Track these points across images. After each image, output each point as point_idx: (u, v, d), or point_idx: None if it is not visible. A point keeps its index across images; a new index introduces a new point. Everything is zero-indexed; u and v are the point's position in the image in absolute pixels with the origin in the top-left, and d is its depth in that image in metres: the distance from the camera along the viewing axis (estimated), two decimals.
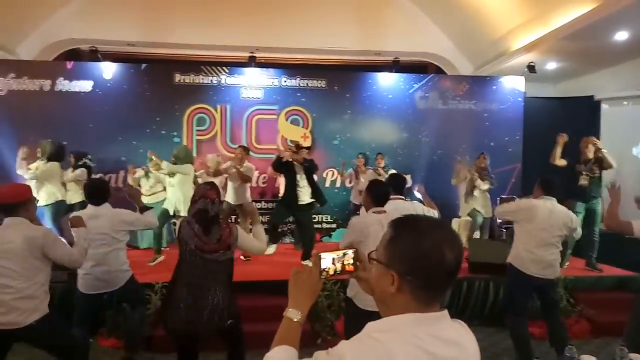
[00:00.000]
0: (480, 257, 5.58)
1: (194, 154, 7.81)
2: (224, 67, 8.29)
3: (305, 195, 6.16)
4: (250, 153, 7.16)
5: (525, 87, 8.74)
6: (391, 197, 3.98)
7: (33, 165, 6.20)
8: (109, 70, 8.01)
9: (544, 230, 3.90)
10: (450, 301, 5.31)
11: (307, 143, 8.21)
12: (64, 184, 6.40)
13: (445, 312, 1.14)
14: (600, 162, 5.84)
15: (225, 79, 8.26)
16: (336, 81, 8.51)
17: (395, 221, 1.21)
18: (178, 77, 8.13)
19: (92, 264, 3.55)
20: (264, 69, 8.49)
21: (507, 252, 5.57)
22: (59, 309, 4.11)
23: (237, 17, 8.20)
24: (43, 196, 6.01)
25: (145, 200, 6.63)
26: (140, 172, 6.96)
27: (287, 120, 8.39)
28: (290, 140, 7.89)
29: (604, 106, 8.45)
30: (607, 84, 8.27)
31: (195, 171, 6.66)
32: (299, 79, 8.42)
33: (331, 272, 1.38)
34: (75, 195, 6.49)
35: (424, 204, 4.15)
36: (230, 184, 6.66)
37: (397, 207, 3.60)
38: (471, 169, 6.93)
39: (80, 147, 6.81)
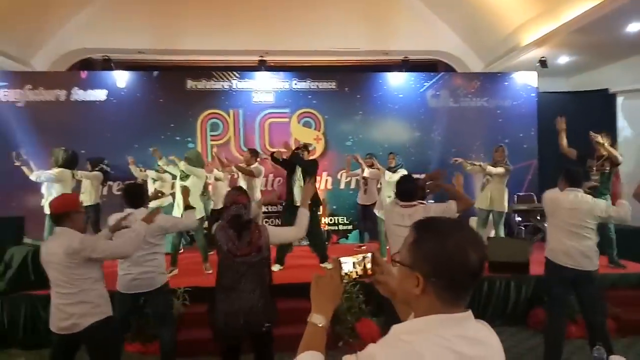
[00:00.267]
0: (500, 256, 5.50)
1: (209, 159, 7.88)
2: (234, 72, 8.34)
3: (298, 194, 6.03)
4: (263, 156, 7.19)
5: (538, 82, 8.68)
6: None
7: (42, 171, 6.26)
8: (122, 78, 8.10)
9: (570, 221, 3.89)
10: (471, 301, 5.25)
11: (317, 144, 8.25)
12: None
13: (470, 312, 1.16)
14: (611, 157, 5.77)
15: (236, 83, 8.31)
16: (347, 82, 8.52)
17: (417, 223, 1.22)
18: (190, 83, 8.19)
19: (129, 264, 3.66)
20: (275, 72, 8.52)
21: (527, 250, 5.60)
22: None
23: (246, 21, 8.24)
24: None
25: (150, 204, 6.67)
26: (151, 174, 6.98)
27: (299, 122, 8.42)
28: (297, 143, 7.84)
29: (620, 99, 8.36)
30: (622, 76, 8.19)
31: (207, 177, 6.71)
32: (309, 81, 8.44)
33: (353, 276, 1.39)
34: (89, 197, 6.61)
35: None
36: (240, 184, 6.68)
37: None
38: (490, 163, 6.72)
39: (97, 155, 6.91)
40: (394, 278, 1.44)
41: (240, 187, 3.32)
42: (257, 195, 6.74)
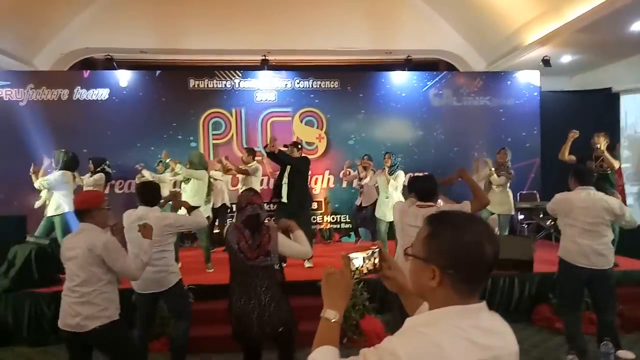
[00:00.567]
0: (505, 253, 5.50)
1: (211, 158, 7.88)
2: (237, 71, 8.35)
3: (284, 192, 5.95)
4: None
5: (541, 81, 8.67)
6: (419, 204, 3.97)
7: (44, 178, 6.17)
8: (124, 78, 8.10)
9: (586, 220, 3.86)
10: None
11: (319, 143, 8.25)
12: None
13: (484, 303, 1.17)
14: (605, 161, 5.78)
15: (238, 82, 8.31)
16: (349, 81, 8.52)
17: (431, 217, 1.23)
18: (192, 83, 8.19)
19: None
20: (277, 71, 8.52)
21: (531, 248, 5.59)
22: None
23: (248, 21, 8.24)
24: (52, 207, 6.02)
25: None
26: (147, 175, 6.96)
27: (301, 122, 8.42)
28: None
29: (623, 98, 8.35)
30: (625, 75, 8.18)
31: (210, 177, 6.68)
32: (311, 80, 8.44)
33: (364, 271, 1.41)
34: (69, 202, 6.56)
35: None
36: (240, 186, 6.66)
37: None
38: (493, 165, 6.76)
39: (99, 155, 6.86)
40: (402, 273, 1.46)
41: (253, 189, 3.31)
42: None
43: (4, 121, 7.63)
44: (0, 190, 7.53)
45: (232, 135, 8.28)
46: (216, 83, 8.26)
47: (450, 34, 8.86)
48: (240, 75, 8.32)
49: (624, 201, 5.30)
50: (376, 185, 6.96)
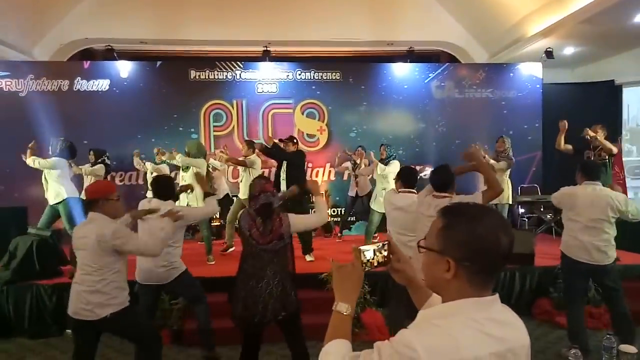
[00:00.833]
0: None
1: (212, 150, 7.87)
2: (238, 63, 8.29)
3: (283, 187, 5.91)
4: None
5: (543, 74, 8.62)
6: (400, 190, 4.02)
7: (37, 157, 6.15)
8: (124, 68, 8.06)
9: (586, 215, 3.87)
10: None
11: (320, 135, 8.23)
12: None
13: (497, 295, 1.17)
14: (604, 149, 5.76)
15: (240, 74, 8.27)
16: (351, 73, 8.48)
17: (446, 209, 1.23)
18: (193, 74, 8.15)
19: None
20: (278, 63, 8.48)
21: (532, 241, 5.59)
22: None
23: (249, 11, 8.19)
24: (51, 195, 6.04)
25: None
26: (149, 166, 6.97)
27: (302, 113, 8.38)
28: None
29: (626, 90, 8.31)
30: (628, 67, 8.14)
31: (208, 166, 6.67)
32: (313, 71, 8.39)
33: (375, 264, 1.41)
34: (75, 189, 6.59)
35: None
36: (242, 179, 6.62)
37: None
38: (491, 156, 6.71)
39: (99, 146, 6.86)
40: (411, 266, 1.46)
41: (265, 177, 3.36)
42: (244, 188, 6.61)
43: (4, 112, 7.59)
44: (1, 181, 7.52)
45: (233, 127, 8.25)
46: (217, 74, 8.21)
47: (453, 25, 8.81)
48: (242, 66, 8.27)
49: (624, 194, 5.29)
50: (370, 176, 7.05)
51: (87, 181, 6.60)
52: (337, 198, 8.34)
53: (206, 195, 3.97)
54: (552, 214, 7.40)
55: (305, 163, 6.47)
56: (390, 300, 4.06)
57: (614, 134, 7.35)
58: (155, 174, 6.80)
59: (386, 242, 1.42)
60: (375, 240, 1.39)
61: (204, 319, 4.00)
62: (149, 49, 8.88)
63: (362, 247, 1.40)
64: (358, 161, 7.20)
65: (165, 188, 3.84)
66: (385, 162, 6.49)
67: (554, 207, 7.32)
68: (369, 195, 6.99)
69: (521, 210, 7.49)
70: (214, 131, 8.22)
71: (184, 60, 8.69)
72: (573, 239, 3.94)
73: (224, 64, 8.24)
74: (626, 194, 4.21)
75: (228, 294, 3.18)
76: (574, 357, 2.64)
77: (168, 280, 3.74)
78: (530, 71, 8.61)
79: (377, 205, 6.46)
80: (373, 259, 1.40)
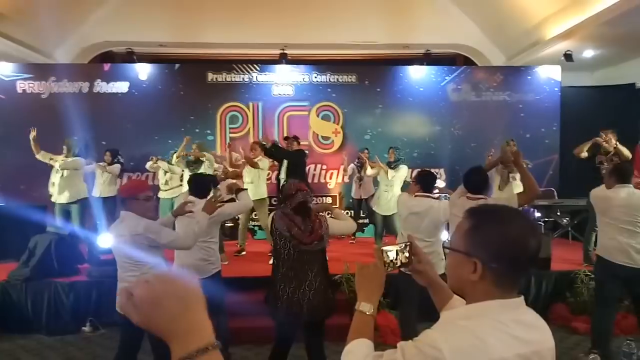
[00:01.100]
0: None
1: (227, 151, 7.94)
2: (255, 65, 8.36)
3: None
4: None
5: (561, 77, 8.50)
6: (417, 195, 3.99)
7: (58, 158, 6.36)
8: (143, 71, 8.19)
9: (623, 218, 3.81)
10: None
11: (335, 137, 8.23)
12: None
13: (522, 297, 1.17)
14: (620, 154, 5.67)
15: (256, 76, 8.33)
16: (367, 76, 8.48)
17: (473, 210, 1.22)
18: (211, 76, 8.24)
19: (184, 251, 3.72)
20: (295, 65, 8.52)
21: (548, 246, 5.52)
22: None
23: (266, 15, 8.25)
24: (70, 194, 6.20)
25: (162, 195, 6.85)
26: (164, 165, 7.06)
27: (318, 116, 8.41)
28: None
29: None
30: None
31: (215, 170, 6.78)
32: (329, 74, 8.42)
33: (398, 264, 1.42)
34: (108, 189, 6.79)
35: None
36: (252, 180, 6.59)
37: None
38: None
39: (118, 147, 7.04)
40: (432, 267, 1.46)
41: (298, 177, 3.40)
42: (263, 187, 6.58)
43: (27, 113, 7.76)
44: (21, 181, 7.68)
45: (249, 129, 8.32)
46: (234, 77, 8.29)
47: (470, 28, 8.75)
48: (258, 69, 8.34)
49: None
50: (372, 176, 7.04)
51: (101, 180, 6.78)
52: (351, 200, 8.33)
53: (237, 192, 4.00)
54: (568, 218, 7.30)
55: (306, 162, 6.47)
56: (402, 303, 4.04)
57: (635, 138, 7.24)
58: (169, 173, 6.95)
59: (408, 243, 1.43)
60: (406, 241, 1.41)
61: (225, 331, 3.96)
62: (168, 52, 9.01)
63: (384, 248, 1.41)
64: (367, 170, 7.15)
65: (203, 186, 3.91)
66: (394, 165, 6.47)
67: (571, 212, 7.25)
68: (372, 197, 7.03)
69: (537, 214, 7.37)
70: (230, 133, 8.29)
71: (202, 63, 8.79)
72: (610, 241, 3.88)
73: (241, 67, 8.31)
74: None
75: (266, 295, 3.20)
76: None
77: (206, 274, 3.76)
78: (549, 74, 8.50)
79: (379, 207, 6.48)
80: (396, 259, 1.41)
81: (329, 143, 8.41)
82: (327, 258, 3.25)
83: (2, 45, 7.09)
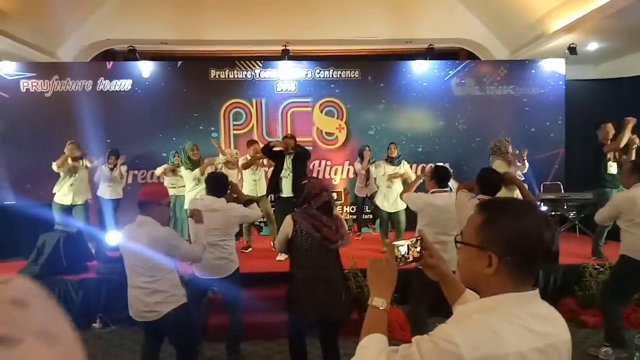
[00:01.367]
0: None
1: (232, 148, 7.94)
2: (257, 62, 8.35)
3: (287, 186, 5.79)
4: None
5: (565, 70, 8.48)
6: (433, 190, 3.99)
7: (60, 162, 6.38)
8: (146, 69, 8.17)
9: None
10: None
11: (339, 133, 8.22)
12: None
13: (537, 290, 1.17)
14: (627, 148, 5.63)
15: (259, 73, 8.32)
16: (370, 71, 8.46)
17: (484, 204, 1.23)
18: (213, 73, 8.23)
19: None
20: (297, 61, 8.50)
21: (556, 239, 5.50)
22: None
23: (268, 11, 8.22)
24: (76, 197, 6.24)
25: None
26: (166, 167, 7.08)
27: (321, 112, 8.39)
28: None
29: None
30: None
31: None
32: (332, 70, 8.40)
33: (410, 259, 1.41)
34: (112, 192, 6.87)
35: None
36: (248, 178, 6.62)
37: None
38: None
39: (122, 145, 7.07)
40: (444, 261, 1.46)
41: (317, 177, 3.41)
42: (263, 186, 6.58)
43: (31, 112, 7.77)
44: (28, 180, 7.68)
45: (253, 126, 8.31)
46: (237, 73, 8.28)
47: (473, 22, 8.71)
48: (261, 65, 8.32)
49: None
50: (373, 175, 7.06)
51: (109, 182, 6.81)
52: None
53: (246, 203, 4.00)
54: (575, 212, 7.29)
55: (307, 162, 6.47)
56: (411, 298, 4.04)
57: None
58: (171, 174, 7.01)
59: (419, 238, 1.43)
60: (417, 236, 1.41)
61: (238, 328, 3.99)
62: (170, 49, 9.00)
63: (396, 243, 1.41)
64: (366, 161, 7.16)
65: (220, 185, 3.90)
66: (395, 161, 6.49)
67: (578, 205, 7.24)
68: (375, 194, 7.00)
69: (544, 208, 7.37)
70: (234, 130, 8.28)
71: (205, 60, 8.78)
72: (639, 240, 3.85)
73: (243, 64, 8.30)
74: None
75: (287, 295, 3.19)
76: (605, 356, 2.62)
77: (225, 274, 3.78)
78: (553, 68, 8.47)
79: (385, 204, 6.47)
80: (407, 254, 1.41)
81: (333, 139, 8.41)
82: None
83: (5, 45, 7.07)
